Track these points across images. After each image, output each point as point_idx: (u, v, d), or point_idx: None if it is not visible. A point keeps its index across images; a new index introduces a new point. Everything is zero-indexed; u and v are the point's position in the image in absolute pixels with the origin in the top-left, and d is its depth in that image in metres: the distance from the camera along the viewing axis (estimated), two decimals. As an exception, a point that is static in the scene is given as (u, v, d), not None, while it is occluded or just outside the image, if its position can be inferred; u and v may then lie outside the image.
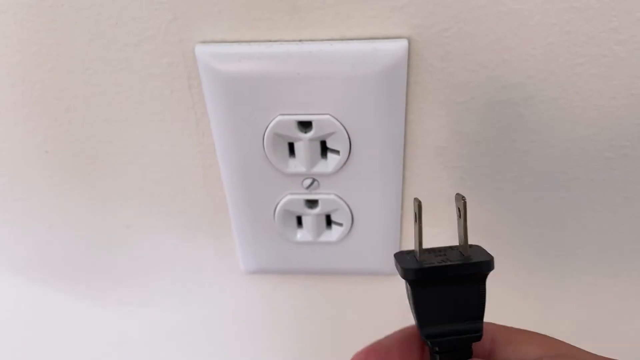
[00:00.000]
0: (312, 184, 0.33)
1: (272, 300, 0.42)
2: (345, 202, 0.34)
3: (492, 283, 0.39)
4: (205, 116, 0.32)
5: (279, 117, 0.31)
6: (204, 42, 0.30)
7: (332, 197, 0.34)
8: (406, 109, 0.31)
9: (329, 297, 0.41)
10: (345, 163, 0.32)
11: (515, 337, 0.23)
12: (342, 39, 0.29)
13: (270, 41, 0.29)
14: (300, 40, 0.29)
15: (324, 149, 0.32)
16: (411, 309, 0.23)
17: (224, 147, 0.33)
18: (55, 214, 0.38)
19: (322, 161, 0.32)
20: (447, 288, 0.22)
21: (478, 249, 0.24)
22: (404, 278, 0.23)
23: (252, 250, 0.37)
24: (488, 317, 0.40)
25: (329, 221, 0.36)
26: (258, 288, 0.41)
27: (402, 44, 0.28)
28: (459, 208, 0.23)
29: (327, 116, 0.30)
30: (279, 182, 0.33)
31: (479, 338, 0.23)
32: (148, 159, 0.35)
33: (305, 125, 0.31)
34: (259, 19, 0.29)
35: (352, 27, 0.29)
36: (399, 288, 0.37)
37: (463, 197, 0.23)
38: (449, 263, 0.22)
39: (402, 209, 0.35)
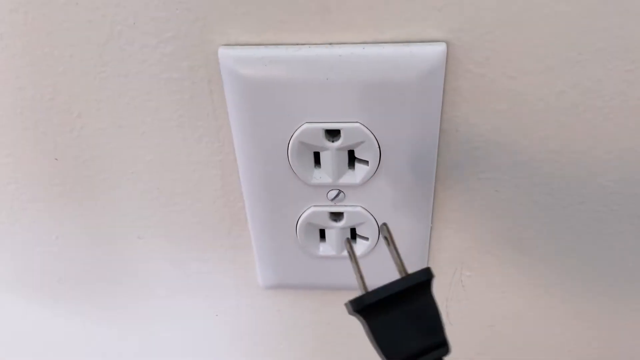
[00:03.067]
0: (337, 195, 0.31)
1: (289, 316, 0.40)
2: (372, 215, 0.32)
3: (524, 298, 0.37)
4: (227, 123, 0.30)
5: (306, 125, 0.29)
6: (227, 44, 0.28)
7: (358, 209, 0.32)
8: (441, 117, 0.29)
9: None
10: (374, 174, 0.30)
11: None
12: (375, 42, 0.27)
13: (297, 44, 0.27)
14: (330, 44, 0.27)
15: (351, 159, 0.30)
16: (373, 344, 0.22)
17: (245, 156, 0.31)
18: (64, 223, 0.37)
19: (349, 172, 0.31)
20: (397, 310, 0.22)
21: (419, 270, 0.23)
22: (354, 311, 0.22)
23: (271, 264, 0.35)
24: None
25: (353, 235, 0.34)
26: (275, 303, 0.39)
27: (440, 48, 0.27)
28: (385, 237, 0.23)
29: (357, 124, 0.29)
30: (303, 194, 0.32)
31: (447, 351, 0.21)
32: (164, 167, 0.33)
33: (332, 134, 0.29)
34: (286, 20, 0.27)
35: (386, 29, 0.27)
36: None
37: (385, 224, 0.24)
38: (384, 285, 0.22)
39: (432, 222, 0.33)
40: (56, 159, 0.33)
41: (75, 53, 0.29)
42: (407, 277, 0.22)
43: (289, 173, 0.31)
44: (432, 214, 0.33)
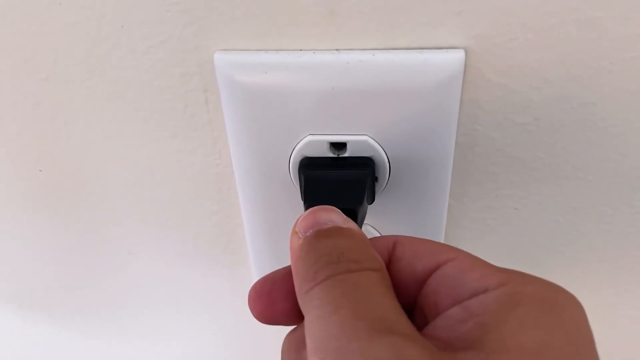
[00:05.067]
0: (343, 212, 0.29)
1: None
2: (380, 234, 0.30)
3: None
4: (224, 134, 0.28)
5: (309, 137, 0.26)
6: (224, 50, 0.25)
7: (364, 138, 0.29)
8: (457, 130, 0.27)
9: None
10: (382, 190, 0.28)
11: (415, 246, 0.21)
12: (386, 49, 0.25)
13: (301, 50, 0.25)
14: (336, 50, 0.25)
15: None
16: (301, 195, 0.26)
17: (243, 170, 0.28)
18: (50, 238, 0.34)
19: (357, 188, 0.28)
20: (332, 176, 0.25)
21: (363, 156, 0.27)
22: (298, 169, 0.26)
23: (271, 284, 0.33)
24: None
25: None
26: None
27: (458, 56, 0.24)
28: None
29: (365, 137, 0.26)
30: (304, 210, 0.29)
31: (355, 217, 0.24)
32: (156, 180, 0.30)
33: (338, 146, 0.27)
34: (288, 24, 0.25)
35: (399, 35, 0.24)
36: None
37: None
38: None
39: (444, 238, 0.31)
40: (40, 170, 0.31)
41: (59, 58, 0.27)
42: (352, 157, 0.26)
43: (290, 188, 0.29)
44: (445, 230, 0.31)
